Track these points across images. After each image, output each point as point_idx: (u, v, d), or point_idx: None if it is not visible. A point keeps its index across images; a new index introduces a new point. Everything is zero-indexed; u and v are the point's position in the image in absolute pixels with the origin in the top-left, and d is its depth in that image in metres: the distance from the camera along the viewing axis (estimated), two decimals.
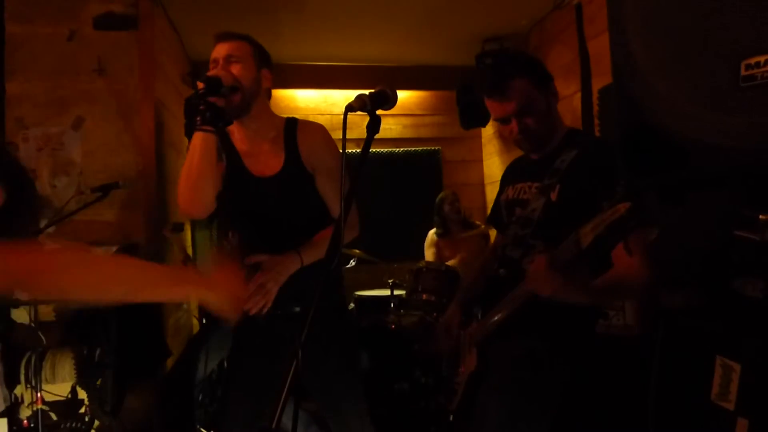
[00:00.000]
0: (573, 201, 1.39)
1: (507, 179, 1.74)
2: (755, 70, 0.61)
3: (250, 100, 1.56)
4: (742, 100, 0.62)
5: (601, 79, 3.20)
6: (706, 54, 0.65)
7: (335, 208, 1.65)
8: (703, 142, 0.65)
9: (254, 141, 1.65)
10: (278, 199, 1.63)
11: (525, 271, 1.34)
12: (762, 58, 0.60)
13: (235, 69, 1.53)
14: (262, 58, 1.62)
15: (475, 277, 1.87)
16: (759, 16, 0.63)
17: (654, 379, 2.03)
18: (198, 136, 1.47)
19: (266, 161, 1.63)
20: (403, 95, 4.92)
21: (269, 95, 1.68)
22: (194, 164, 1.48)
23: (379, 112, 1.15)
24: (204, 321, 3.28)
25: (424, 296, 3.42)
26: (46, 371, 2.76)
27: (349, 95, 4.97)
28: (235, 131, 1.66)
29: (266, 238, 1.66)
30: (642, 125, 0.74)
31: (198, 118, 1.45)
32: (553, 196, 1.44)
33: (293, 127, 1.65)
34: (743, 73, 0.62)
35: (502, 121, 1.50)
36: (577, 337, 1.49)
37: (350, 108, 1.09)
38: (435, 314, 3.37)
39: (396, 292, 3.58)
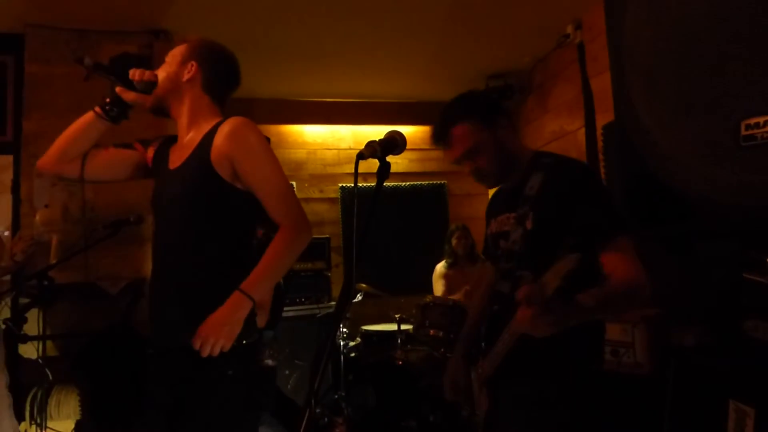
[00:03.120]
0: (548, 226, 1.38)
1: (490, 212, 1.74)
2: (755, 131, 0.63)
3: (165, 100, 1.56)
4: (742, 158, 0.64)
5: (604, 116, 3.24)
6: (707, 113, 0.68)
7: (270, 210, 1.48)
8: (706, 197, 0.67)
9: (183, 134, 1.59)
10: (176, 193, 1.49)
11: (517, 304, 1.35)
12: (762, 119, 0.63)
13: (160, 72, 1.57)
14: (193, 53, 1.57)
15: (474, 315, 1.87)
16: (757, 77, 0.65)
17: (666, 420, 2.00)
18: (89, 114, 1.56)
19: (181, 153, 1.55)
20: (409, 130, 5.00)
21: (211, 90, 1.59)
22: (69, 129, 1.58)
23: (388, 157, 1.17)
24: None
25: (432, 331, 3.39)
26: (51, 407, 2.75)
27: (356, 130, 5.02)
28: None
29: (167, 235, 1.52)
30: (646, 178, 0.76)
31: (102, 103, 1.55)
32: (528, 225, 1.43)
33: (221, 122, 1.52)
34: (743, 132, 0.64)
35: (456, 163, 1.55)
36: (583, 375, 1.47)
37: (361, 156, 1.12)
38: (442, 350, 3.34)
39: (403, 327, 3.55)
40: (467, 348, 1.79)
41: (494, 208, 1.70)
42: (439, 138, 1.53)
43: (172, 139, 1.66)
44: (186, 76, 1.55)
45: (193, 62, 1.56)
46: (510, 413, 1.51)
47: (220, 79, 1.60)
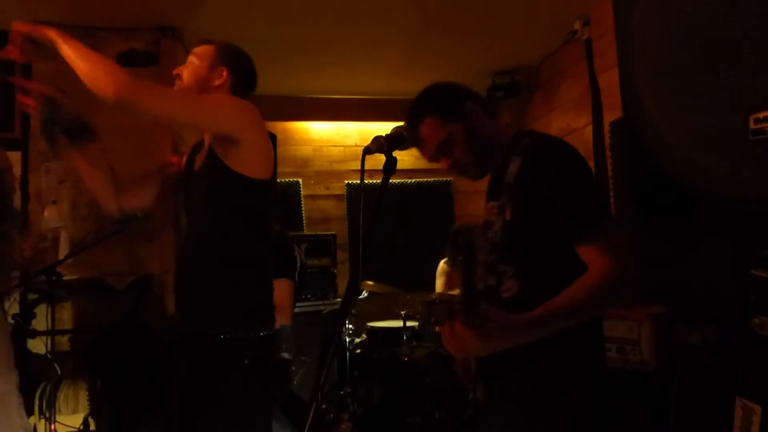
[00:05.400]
0: (526, 217, 1.32)
1: (485, 201, 1.66)
2: (764, 124, 0.62)
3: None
4: (751, 152, 0.63)
5: (612, 113, 3.23)
6: (715, 107, 0.68)
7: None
8: (714, 192, 0.66)
9: (209, 136, 1.64)
10: (201, 192, 1.57)
11: (504, 300, 1.31)
12: None
13: (185, 70, 1.60)
14: (223, 58, 1.62)
15: None
16: (766, 71, 0.65)
17: (673, 418, 1.99)
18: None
19: (203, 154, 1.62)
20: None
21: (237, 95, 1.63)
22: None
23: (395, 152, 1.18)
24: None
25: (437, 328, 3.39)
26: (59, 402, 2.77)
27: (362, 127, 5.01)
28: None
29: (192, 230, 1.59)
30: (654, 174, 0.76)
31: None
32: (508, 215, 1.37)
33: None
34: (752, 126, 0.63)
35: (433, 160, 1.48)
36: (579, 369, 1.44)
37: (368, 151, 1.12)
38: None
39: (408, 324, 3.55)
40: None
41: (487, 197, 1.61)
42: (410, 139, 1.37)
43: (201, 144, 1.72)
44: (217, 82, 1.61)
45: (223, 68, 1.61)
46: (497, 408, 1.51)
47: (246, 84, 1.68)
